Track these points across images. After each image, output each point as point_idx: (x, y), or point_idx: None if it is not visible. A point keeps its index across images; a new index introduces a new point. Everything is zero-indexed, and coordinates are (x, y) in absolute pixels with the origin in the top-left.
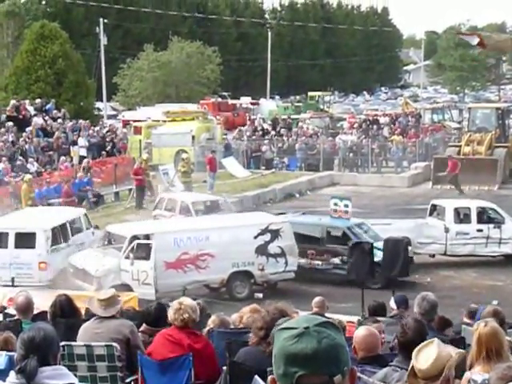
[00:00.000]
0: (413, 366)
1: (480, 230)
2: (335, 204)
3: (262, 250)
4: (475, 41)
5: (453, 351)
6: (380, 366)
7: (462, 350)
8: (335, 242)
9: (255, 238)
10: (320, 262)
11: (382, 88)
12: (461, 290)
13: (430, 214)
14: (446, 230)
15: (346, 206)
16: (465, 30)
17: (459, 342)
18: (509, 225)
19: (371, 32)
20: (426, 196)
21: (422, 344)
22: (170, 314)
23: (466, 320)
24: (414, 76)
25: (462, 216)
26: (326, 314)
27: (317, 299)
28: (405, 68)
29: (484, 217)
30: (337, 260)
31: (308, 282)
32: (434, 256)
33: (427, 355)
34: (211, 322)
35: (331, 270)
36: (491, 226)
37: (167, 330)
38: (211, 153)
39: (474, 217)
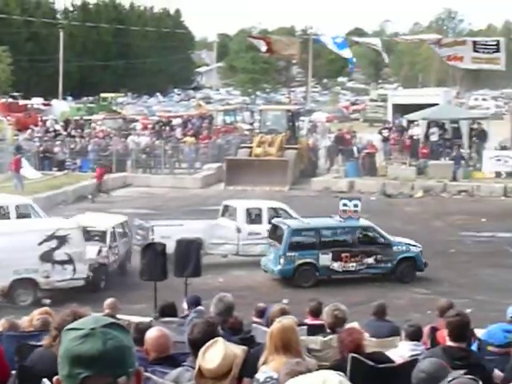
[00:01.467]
0: (200, 366)
1: None
2: (344, 205)
3: (47, 257)
4: (264, 48)
5: (237, 349)
6: (172, 366)
7: (245, 348)
8: (366, 242)
9: (40, 244)
10: (354, 264)
11: (175, 89)
12: (252, 289)
13: (222, 215)
14: (238, 231)
15: (356, 205)
16: (256, 34)
17: (249, 340)
18: None
19: (164, 34)
20: (219, 197)
21: (208, 343)
22: None
23: (255, 319)
24: (206, 78)
25: (253, 216)
26: (119, 316)
27: (108, 301)
28: (197, 70)
29: (275, 217)
30: (371, 260)
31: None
32: (226, 256)
33: (214, 354)
34: (0, 326)
35: (364, 270)
36: None
37: None
38: (18, 154)
39: (265, 217)
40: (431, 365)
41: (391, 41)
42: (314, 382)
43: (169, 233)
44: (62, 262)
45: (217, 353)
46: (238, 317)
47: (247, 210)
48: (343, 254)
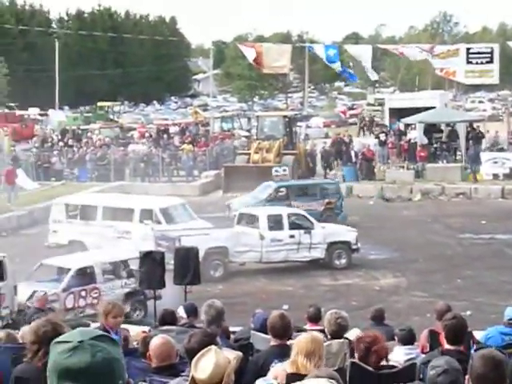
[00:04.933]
0: (193, 376)
1: (292, 236)
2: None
3: None
4: (252, 57)
5: (230, 355)
6: (173, 375)
7: (239, 353)
8: None
9: None
10: None
11: (172, 97)
12: (252, 296)
13: (238, 223)
14: (261, 238)
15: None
16: (251, 40)
17: (246, 347)
18: (318, 230)
19: (160, 41)
20: (217, 204)
21: (200, 353)
22: None
23: (252, 325)
24: (203, 85)
25: (274, 223)
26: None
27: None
28: (194, 77)
29: (294, 223)
30: None
31: None
32: (244, 264)
33: (205, 364)
34: None
35: None
36: (302, 231)
37: None
38: (13, 165)
39: (285, 223)
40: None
41: (386, 50)
42: None
43: (196, 242)
44: None
45: (208, 362)
46: (225, 323)
47: (269, 216)
48: None
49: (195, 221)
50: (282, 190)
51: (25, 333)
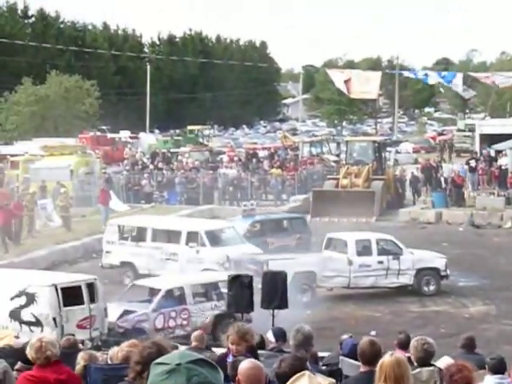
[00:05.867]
0: None
1: (381, 262)
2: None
3: (15, 315)
4: (340, 82)
5: (323, 381)
6: None
7: (332, 380)
8: None
9: (11, 299)
10: None
11: (262, 121)
12: (339, 321)
13: (326, 248)
14: (350, 263)
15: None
16: (341, 65)
17: (336, 373)
18: (406, 256)
19: (250, 66)
20: None
21: (294, 377)
22: (31, 353)
23: (341, 351)
24: (292, 109)
25: (363, 248)
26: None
27: (196, 333)
28: (283, 101)
29: (383, 248)
30: None
31: None
32: (332, 289)
33: None
34: (81, 359)
35: None
36: (390, 257)
37: (29, 371)
38: (105, 185)
39: (374, 249)
40: None
41: (475, 78)
42: None
43: (283, 266)
44: (30, 323)
45: None
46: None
47: (357, 241)
48: None
49: (243, 244)
50: (256, 225)
51: (114, 353)
